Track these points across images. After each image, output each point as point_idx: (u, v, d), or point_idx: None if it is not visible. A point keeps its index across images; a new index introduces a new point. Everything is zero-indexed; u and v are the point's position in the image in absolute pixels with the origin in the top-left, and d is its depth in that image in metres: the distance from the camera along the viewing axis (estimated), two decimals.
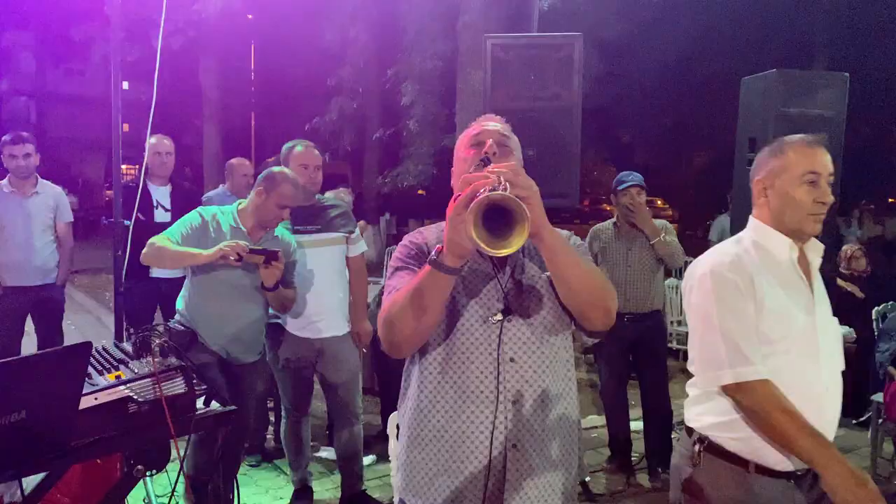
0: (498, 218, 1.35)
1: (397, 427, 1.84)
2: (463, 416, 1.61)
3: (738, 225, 5.13)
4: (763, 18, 13.18)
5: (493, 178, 1.39)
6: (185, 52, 12.95)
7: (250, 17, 16.06)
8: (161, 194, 4.54)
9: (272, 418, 4.75)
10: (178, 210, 4.56)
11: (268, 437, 4.68)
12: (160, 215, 4.52)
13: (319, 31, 12.66)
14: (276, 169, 3.36)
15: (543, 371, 1.63)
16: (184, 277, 4.66)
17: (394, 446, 1.84)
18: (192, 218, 3.28)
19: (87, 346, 1.68)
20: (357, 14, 11.96)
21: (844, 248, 6.56)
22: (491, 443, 1.58)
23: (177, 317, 3.37)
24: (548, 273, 1.61)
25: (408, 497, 1.70)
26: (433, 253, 1.46)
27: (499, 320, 1.61)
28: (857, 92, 4.58)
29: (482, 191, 1.36)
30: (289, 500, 3.85)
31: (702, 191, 19.02)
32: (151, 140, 4.48)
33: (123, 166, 4.84)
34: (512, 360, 1.61)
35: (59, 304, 4.78)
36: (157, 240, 3.17)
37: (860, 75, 4.65)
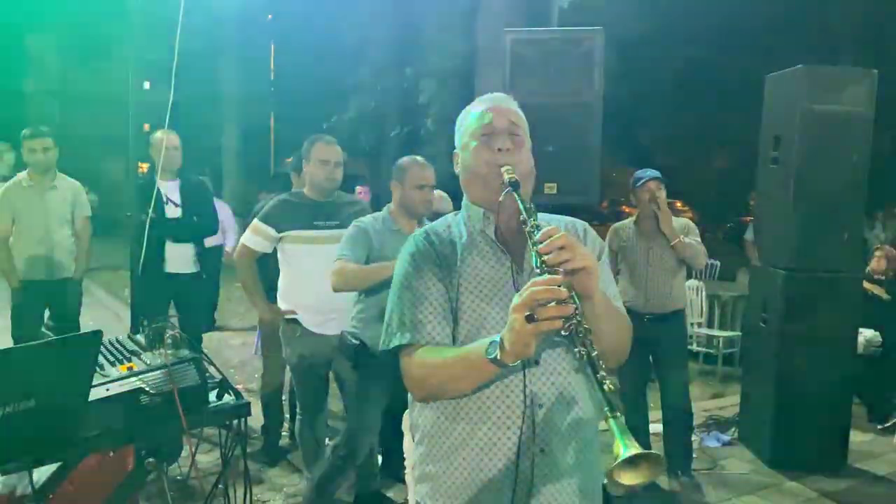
0: None
1: (411, 428, 1.78)
2: (489, 423, 1.55)
3: (761, 225, 5.06)
4: (786, 14, 13.00)
5: (564, 293, 1.32)
6: (205, 53, 13.03)
7: (270, 16, 16.15)
8: (170, 189, 4.52)
9: (287, 415, 4.74)
10: (188, 205, 4.56)
11: (283, 434, 4.66)
12: (170, 211, 4.50)
13: (338, 30, 12.67)
14: (400, 161, 3.51)
15: (568, 372, 1.58)
16: (198, 273, 4.68)
17: (408, 445, 1.78)
18: (354, 232, 3.32)
19: (98, 334, 1.65)
20: (376, 13, 11.95)
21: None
22: (518, 448, 1.54)
23: (349, 328, 3.41)
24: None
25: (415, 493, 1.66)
26: (492, 349, 1.38)
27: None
28: (881, 91, 4.47)
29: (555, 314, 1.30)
30: (303, 497, 3.81)
31: (722, 192, 18.83)
32: (157, 135, 4.48)
33: (140, 164, 4.86)
34: (537, 362, 1.56)
35: (76, 298, 4.78)
36: (339, 266, 3.23)
37: (885, 74, 4.51)
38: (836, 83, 4.43)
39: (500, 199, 1.58)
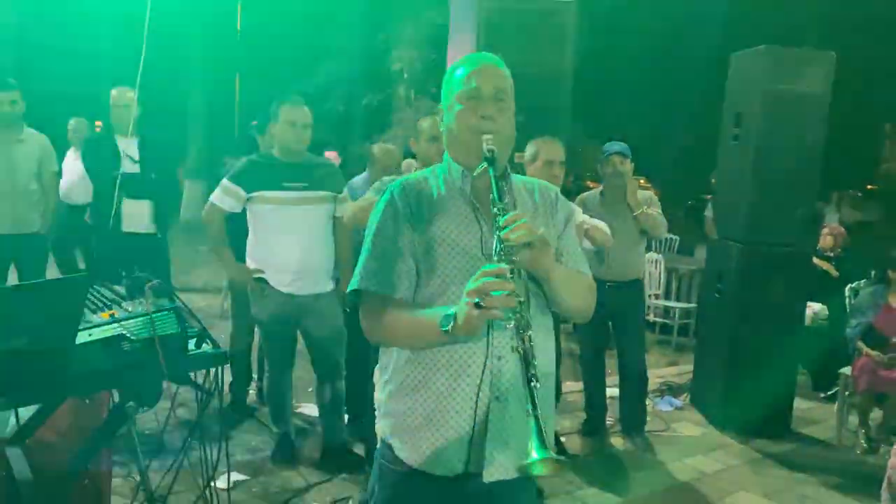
0: None
1: (380, 369, 1.87)
2: (452, 369, 1.65)
3: (722, 201, 5.23)
4: None
5: (511, 285, 1.43)
6: (171, 11, 12.72)
7: None
8: (127, 145, 4.44)
9: (255, 376, 4.81)
10: (147, 160, 4.48)
11: (251, 392, 4.74)
12: (128, 166, 4.41)
13: None
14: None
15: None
16: (154, 234, 4.60)
17: (379, 395, 1.87)
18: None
19: (87, 278, 1.71)
20: None
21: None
22: (477, 395, 1.64)
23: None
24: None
25: (394, 442, 1.74)
26: (445, 322, 1.50)
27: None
28: (845, 74, 4.64)
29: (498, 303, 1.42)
30: (270, 452, 3.91)
31: (684, 169, 19.14)
32: (113, 92, 4.44)
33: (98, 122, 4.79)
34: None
35: (43, 252, 4.76)
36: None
37: (850, 57, 4.68)
38: (795, 64, 4.59)
39: (476, 173, 1.68)
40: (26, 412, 2.25)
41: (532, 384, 1.46)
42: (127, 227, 4.40)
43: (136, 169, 4.41)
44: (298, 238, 3.62)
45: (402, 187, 1.75)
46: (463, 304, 1.45)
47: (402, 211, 1.69)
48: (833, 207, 12.95)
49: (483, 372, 1.64)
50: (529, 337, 1.48)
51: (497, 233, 1.53)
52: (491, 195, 1.60)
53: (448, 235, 1.68)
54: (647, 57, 14.79)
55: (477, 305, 1.42)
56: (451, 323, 1.49)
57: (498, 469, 1.65)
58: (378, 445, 1.83)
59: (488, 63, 1.75)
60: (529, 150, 3.70)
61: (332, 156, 7.22)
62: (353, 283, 1.70)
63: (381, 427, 1.80)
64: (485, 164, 1.65)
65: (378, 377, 1.84)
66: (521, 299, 1.47)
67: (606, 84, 16.24)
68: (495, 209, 1.57)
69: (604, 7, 11.77)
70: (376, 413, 1.83)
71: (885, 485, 3.02)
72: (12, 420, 2.28)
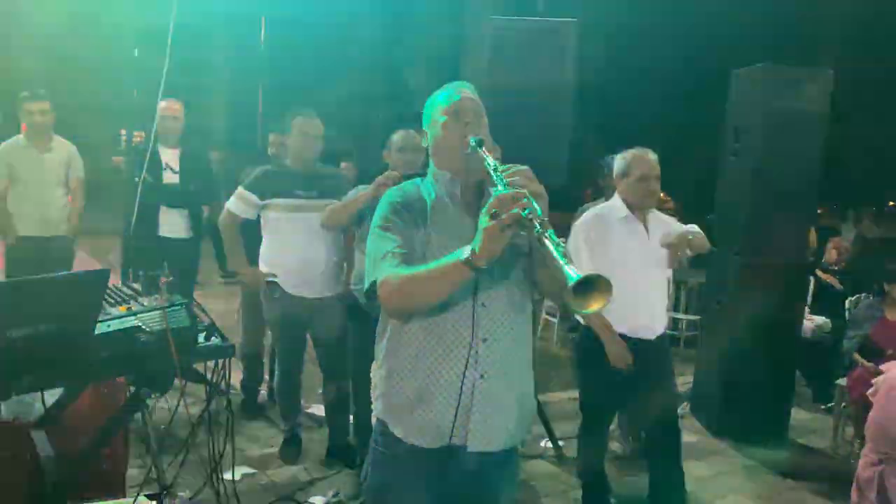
0: None
1: (377, 360, 2.05)
2: (439, 351, 1.83)
3: (722, 215, 5.34)
4: (776, 10, 13.24)
5: (524, 199, 1.57)
6: (197, 25, 13.09)
7: None
8: (170, 157, 4.73)
9: (267, 377, 4.99)
10: (186, 172, 4.77)
11: (262, 392, 4.92)
12: (168, 177, 4.71)
13: (329, 7, 12.79)
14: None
15: (509, 313, 1.87)
16: (191, 239, 4.85)
17: (374, 380, 2.04)
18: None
19: (106, 272, 1.90)
20: None
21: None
22: (463, 375, 1.82)
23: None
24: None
25: (388, 419, 1.91)
26: (465, 253, 1.62)
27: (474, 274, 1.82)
28: (860, 91, 4.74)
29: (523, 212, 1.54)
30: (279, 448, 4.09)
31: (704, 184, 19.15)
32: (161, 103, 4.67)
33: (133, 131, 5.04)
34: (483, 305, 1.83)
35: (69, 253, 5.02)
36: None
37: (873, 73, 4.78)
38: (794, 81, 4.72)
39: (466, 151, 1.84)
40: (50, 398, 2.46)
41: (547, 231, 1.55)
42: (163, 232, 4.67)
43: (175, 179, 4.66)
44: (308, 243, 3.81)
45: (400, 192, 1.94)
46: (480, 225, 1.58)
47: (404, 210, 1.87)
48: (849, 223, 12.90)
49: (469, 353, 1.81)
50: (547, 224, 1.56)
51: (497, 173, 1.68)
52: (485, 164, 1.75)
53: (441, 236, 1.85)
54: (664, 69, 14.88)
55: (493, 216, 1.55)
56: (471, 250, 1.60)
57: (482, 440, 1.84)
58: (372, 433, 2.01)
59: (466, 87, 2.01)
60: (618, 164, 3.39)
61: (347, 167, 7.42)
62: (378, 274, 1.78)
63: (376, 408, 1.97)
64: (474, 145, 1.83)
65: (374, 367, 2.01)
66: (533, 204, 1.56)
67: (626, 98, 16.35)
68: (492, 166, 1.72)
69: (620, 21, 11.91)
70: (372, 398, 2.00)
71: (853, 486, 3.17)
72: (37, 405, 2.49)
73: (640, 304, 3.26)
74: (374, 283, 1.81)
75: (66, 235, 4.98)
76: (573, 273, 1.47)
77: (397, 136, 3.79)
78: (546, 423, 4.43)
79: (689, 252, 3.37)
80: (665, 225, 3.44)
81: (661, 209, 4.16)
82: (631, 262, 3.23)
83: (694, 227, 3.39)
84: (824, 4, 13.32)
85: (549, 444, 4.45)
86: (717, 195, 5.26)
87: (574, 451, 4.45)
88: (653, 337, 3.36)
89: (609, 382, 3.28)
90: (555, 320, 7.23)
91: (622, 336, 3.24)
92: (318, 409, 4.67)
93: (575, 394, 5.21)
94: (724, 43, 13.84)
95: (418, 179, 2.03)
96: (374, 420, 2.00)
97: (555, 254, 1.52)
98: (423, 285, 1.74)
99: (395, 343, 1.90)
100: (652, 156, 3.34)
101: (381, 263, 1.80)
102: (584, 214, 3.51)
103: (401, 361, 1.88)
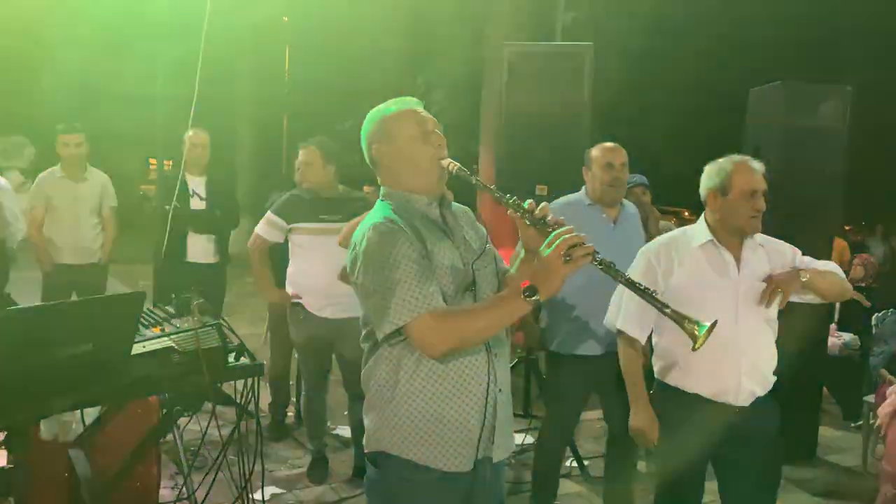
0: None
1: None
2: (462, 365, 1.84)
3: None
4: (797, 28, 13.26)
5: (583, 236, 1.69)
6: (222, 55, 13.43)
7: (286, 19, 16.55)
8: (197, 184, 4.88)
9: (294, 399, 5.06)
10: (213, 199, 4.91)
11: (289, 413, 4.99)
12: (195, 203, 4.85)
13: (352, 36, 13.08)
14: None
15: (503, 330, 1.95)
16: (217, 264, 4.99)
17: (384, 412, 1.95)
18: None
19: (142, 294, 2.00)
20: (388, 24, 12.34)
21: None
22: (487, 388, 1.87)
23: None
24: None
25: (404, 448, 1.88)
26: (530, 292, 1.69)
27: (472, 293, 1.89)
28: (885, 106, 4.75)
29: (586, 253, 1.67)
30: (305, 469, 4.15)
31: None
32: (189, 133, 4.83)
33: (163, 160, 5.19)
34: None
35: (101, 280, 5.17)
36: None
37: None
38: (812, 99, 4.74)
39: (449, 173, 1.90)
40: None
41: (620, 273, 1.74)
42: (191, 257, 4.81)
43: (202, 206, 4.81)
44: (333, 266, 3.89)
45: (388, 220, 1.84)
46: (548, 264, 1.67)
47: (405, 235, 1.81)
48: (877, 238, 12.75)
49: (489, 370, 1.88)
50: (613, 264, 1.72)
51: (526, 215, 1.79)
52: (506, 198, 1.80)
53: (436, 257, 1.85)
54: (680, 90, 14.95)
55: (564, 259, 1.65)
56: (536, 291, 1.68)
57: (504, 450, 1.98)
58: (374, 469, 2.03)
59: (417, 103, 2.00)
60: (714, 178, 2.66)
61: (370, 190, 7.54)
62: (405, 318, 1.74)
63: (381, 441, 1.94)
64: (478, 179, 1.92)
65: (376, 396, 1.96)
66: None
67: (647, 118, 16.42)
68: (509, 200, 1.79)
69: (638, 44, 12.01)
70: (378, 430, 1.96)
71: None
72: (74, 425, 2.58)
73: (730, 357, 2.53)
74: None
75: (99, 263, 5.13)
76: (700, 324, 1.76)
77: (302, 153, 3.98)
78: (572, 443, 4.44)
79: (802, 297, 2.67)
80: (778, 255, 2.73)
81: (639, 202, 4.02)
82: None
83: (829, 265, 2.70)
84: (842, 22, 13.33)
85: (575, 464, 4.46)
86: None
87: (600, 470, 4.48)
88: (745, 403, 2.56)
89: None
90: None
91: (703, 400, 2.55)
92: (345, 430, 4.72)
93: (599, 413, 5.24)
94: (740, 63, 13.90)
95: (384, 210, 1.91)
96: (373, 453, 1.99)
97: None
98: (475, 330, 1.78)
99: (410, 371, 1.85)
100: (757, 166, 2.66)
101: (413, 308, 1.74)
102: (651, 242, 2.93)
103: (421, 390, 1.85)
